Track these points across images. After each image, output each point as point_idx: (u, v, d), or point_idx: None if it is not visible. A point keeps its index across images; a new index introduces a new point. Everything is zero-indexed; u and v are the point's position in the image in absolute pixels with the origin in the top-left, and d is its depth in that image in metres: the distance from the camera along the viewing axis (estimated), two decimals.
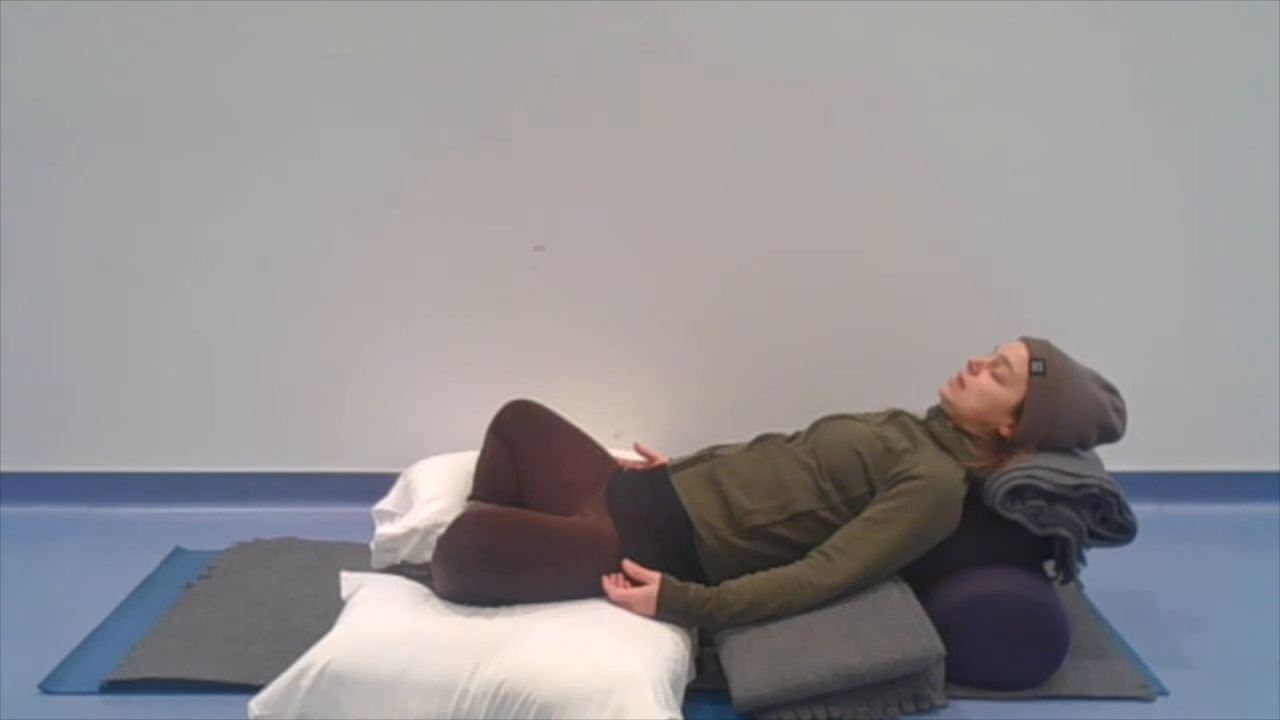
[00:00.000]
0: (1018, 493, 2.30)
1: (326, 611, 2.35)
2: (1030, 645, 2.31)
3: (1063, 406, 2.34)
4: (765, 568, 2.31)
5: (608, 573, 2.30)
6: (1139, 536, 2.34)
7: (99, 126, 2.96)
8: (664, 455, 2.66)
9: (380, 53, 2.93)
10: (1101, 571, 2.45)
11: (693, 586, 2.28)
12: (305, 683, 2.06)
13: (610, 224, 3.04)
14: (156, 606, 2.64)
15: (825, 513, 2.35)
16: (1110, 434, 2.41)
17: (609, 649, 2.09)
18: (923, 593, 2.33)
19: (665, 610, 2.24)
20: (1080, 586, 2.45)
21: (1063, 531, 2.29)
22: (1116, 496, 2.30)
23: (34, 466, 3.16)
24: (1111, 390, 2.42)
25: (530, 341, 3.11)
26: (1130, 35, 2.92)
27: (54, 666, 2.40)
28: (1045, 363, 2.35)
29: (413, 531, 2.55)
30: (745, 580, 2.29)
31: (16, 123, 2.96)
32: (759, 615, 2.26)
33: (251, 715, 2.09)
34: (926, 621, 2.23)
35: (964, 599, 2.30)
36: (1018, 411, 2.36)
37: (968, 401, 2.39)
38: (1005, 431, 2.38)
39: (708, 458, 2.50)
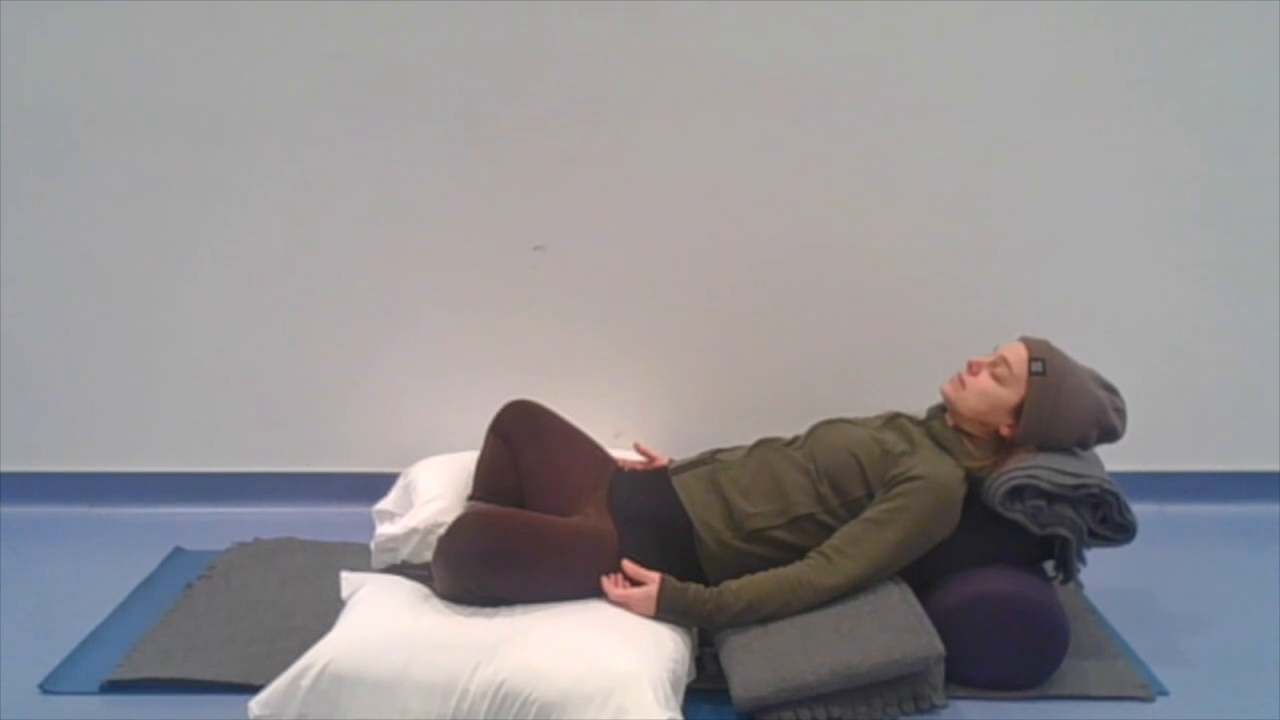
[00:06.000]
0: (1018, 492, 2.30)
1: (326, 611, 2.35)
2: (1030, 645, 2.31)
3: (1062, 406, 2.34)
4: (765, 570, 2.31)
5: (608, 573, 2.30)
6: (1139, 536, 2.34)
7: (99, 126, 2.96)
8: (664, 456, 2.67)
9: (380, 53, 2.93)
10: (1101, 571, 2.45)
11: (692, 587, 2.28)
12: (305, 683, 2.06)
13: (610, 224, 3.04)
14: (156, 606, 2.64)
15: (824, 516, 2.35)
16: (1110, 434, 2.41)
17: (609, 649, 2.09)
18: (923, 593, 2.33)
19: (665, 610, 2.24)
20: (1080, 586, 2.45)
21: (1063, 531, 2.29)
22: (1116, 496, 2.30)
23: (34, 466, 3.16)
24: (1111, 390, 2.42)
25: (530, 341, 3.11)
26: (1131, 35, 2.92)
27: (54, 666, 2.40)
28: (1045, 362, 2.35)
29: (413, 531, 2.55)
30: (745, 580, 2.29)
31: (16, 123, 2.96)
32: (759, 615, 2.26)
33: (251, 715, 2.09)
34: (926, 621, 2.23)
35: (964, 599, 2.30)
36: (1017, 411, 2.35)
37: (968, 401, 2.39)
38: (1005, 431, 2.38)
39: (708, 460, 2.50)
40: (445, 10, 2.89)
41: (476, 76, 2.94)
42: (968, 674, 2.30)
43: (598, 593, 2.28)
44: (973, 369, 2.41)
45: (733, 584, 2.29)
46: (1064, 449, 2.37)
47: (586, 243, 3.06)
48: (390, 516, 2.70)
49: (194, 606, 2.63)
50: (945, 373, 2.44)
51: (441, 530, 2.33)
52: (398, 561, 2.56)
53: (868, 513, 2.32)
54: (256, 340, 3.12)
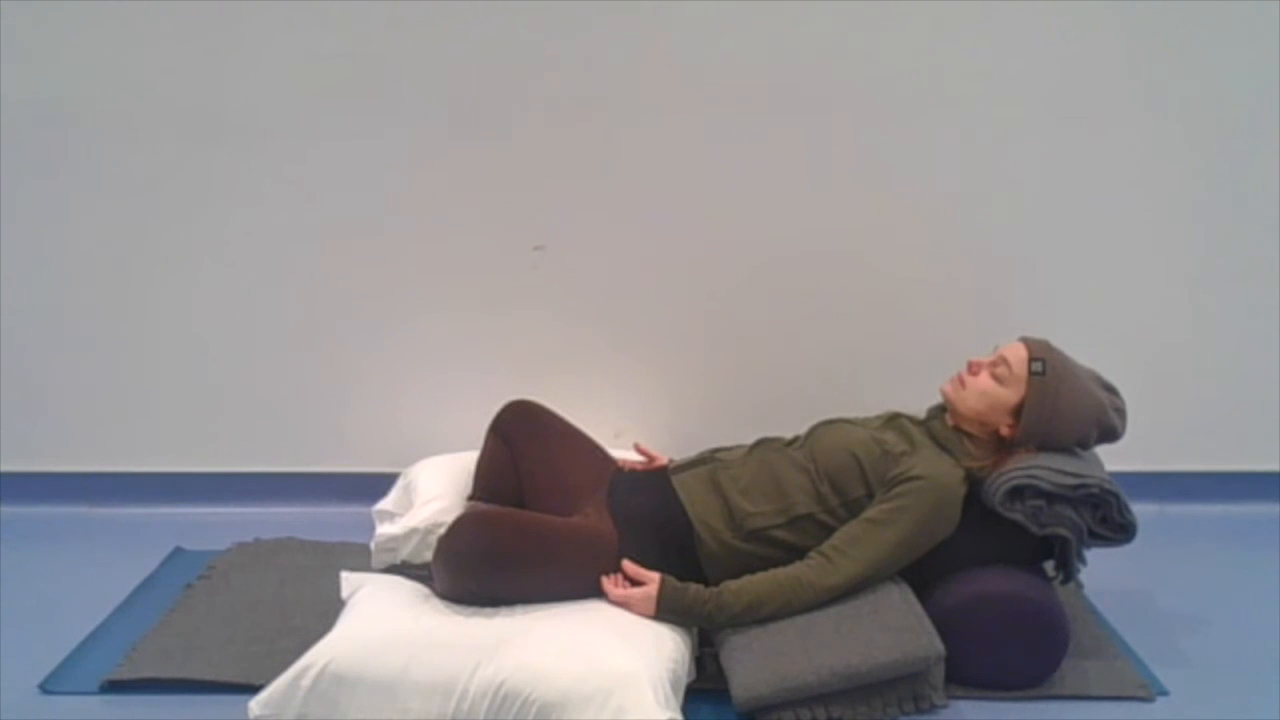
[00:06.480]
0: (1018, 492, 2.30)
1: (326, 611, 2.35)
2: (1030, 645, 2.31)
3: (1062, 406, 2.34)
4: (765, 570, 2.31)
5: (607, 573, 2.30)
6: (1139, 536, 2.34)
7: (99, 126, 2.96)
8: (664, 456, 2.66)
9: (380, 53, 2.93)
10: (1101, 571, 2.45)
11: (692, 587, 2.28)
12: (305, 683, 2.06)
13: (610, 224, 3.04)
14: (156, 606, 2.64)
15: (824, 516, 2.35)
16: (1110, 434, 2.41)
17: (609, 649, 2.09)
18: (923, 593, 2.33)
19: (665, 610, 2.24)
20: (1080, 586, 2.45)
21: (1063, 531, 2.29)
22: (1116, 496, 2.30)
23: (34, 466, 3.16)
24: (1111, 390, 2.42)
25: (530, 341, 3.11)
26: (1133, 38, 2.92)
27: (54, 666, 2.40)
28: (1045, 363, 2.35)
29: (413, 531, 2.55)
30: (745, 581, 2.29)
31: (16, 122, 2.96)
32: (759, 616, 2.26)
33: (251, 715, 2.09)
34: (926, 621, 2.23)
35: (964, 599, 2.30)
36: (1017, 411, 2.35)
37: (968, 401, 2.39)
38: (1005, 431, 2.38)
39: (708, 460, 2.50)
40: (445, 10, 2.89)
41: (476, 77, 2.93)
42: (968, 674, 2.30)
43: (598, 593, 2.28)
44: (973, 369, 2.41)
45: (733, 584, 2.29)
46: (1064, 449, 2.37)
47: (586, 243, 3.05)
48: (390, 516, 2.70)
49: (194, 606, 2.63)
50: (945, 373, 2.44)
51: (441, 530, 2.33)
52: (398, 561, 2.56)
53: (868, 513, 2.32)
54: (256, 340, 3.12)
